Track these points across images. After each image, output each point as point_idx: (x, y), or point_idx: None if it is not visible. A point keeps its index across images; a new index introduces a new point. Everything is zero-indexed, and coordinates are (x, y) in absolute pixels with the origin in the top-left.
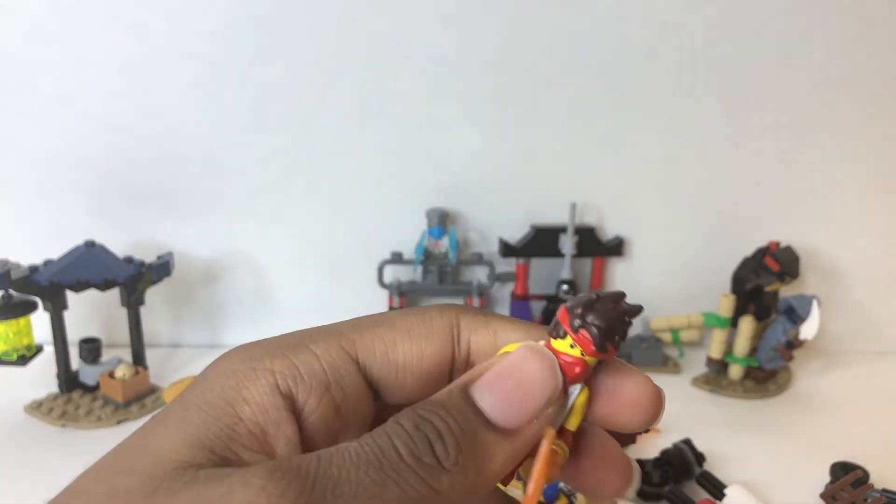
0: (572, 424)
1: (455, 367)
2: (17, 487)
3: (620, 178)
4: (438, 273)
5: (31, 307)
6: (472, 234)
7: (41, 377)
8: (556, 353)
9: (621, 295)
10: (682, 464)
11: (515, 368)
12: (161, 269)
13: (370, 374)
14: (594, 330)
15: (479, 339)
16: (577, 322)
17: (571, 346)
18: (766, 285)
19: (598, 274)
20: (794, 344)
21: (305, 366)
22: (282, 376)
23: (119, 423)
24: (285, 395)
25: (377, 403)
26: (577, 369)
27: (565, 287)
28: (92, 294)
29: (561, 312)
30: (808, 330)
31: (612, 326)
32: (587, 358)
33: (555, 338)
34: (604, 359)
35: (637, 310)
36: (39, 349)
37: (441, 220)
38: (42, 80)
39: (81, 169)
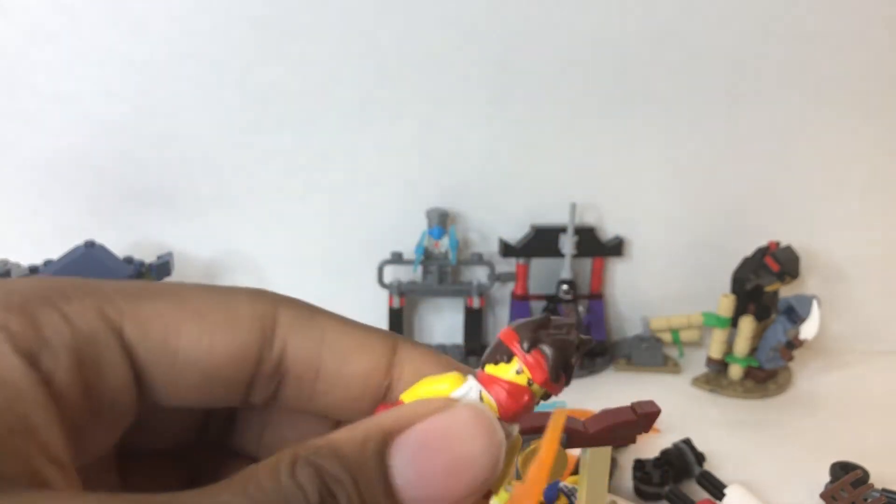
0: (494, 486)
1: (260, 372)
2: None
3: (620, 178)
4: (438, 273)
5: None
6: (472, 234)
7: None
8: (494, 381)
9: (573, 324)
10: (682, 464)
11: (450, 440)
12: (161, 269)
13: (137, 359)
14: (550, 351)
15: (300, 340)
16: (529, 343)
17: (517, 373)
18: (766, 285)
19: (598, 274)
20: (794, 344)
21: (51, 327)
22: (22, 338)
23: None
24: (32, 365)
25: (142, 400)
26: (525, 398)
27: (565, 287)
28: None
29: (506, 333)
30: (808, 330)
31: (567, 354)
32: (534, 387)
33: (495, 363)
34: (549, 391)
35: (588, 342)
36: None
37: (441, 220)
38: (42, 80)
39: (81, 169)
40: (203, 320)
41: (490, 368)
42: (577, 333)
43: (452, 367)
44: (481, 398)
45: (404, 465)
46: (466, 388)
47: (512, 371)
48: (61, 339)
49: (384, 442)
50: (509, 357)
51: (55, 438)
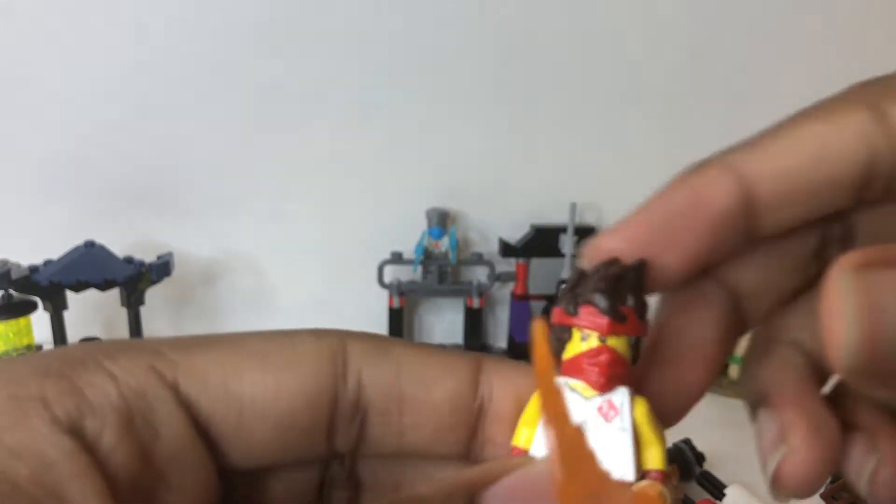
0: (654, 459)
1: (339, 412)
2: None
3: (620, 177)
4: (438, 273)
5: (31, 307)
6: (472, 234)
7: None
8: (572, 363)
9: (614, 259)
10: (682, 464)
11: (538, 491)
12: (161, 269)
13: (198, 412)
14: (596, 296)
15: (375, 371)
16: (572, 304)
17: (583, 340)
18: None
19: None
20: None
21: (94, 388)
22: (60, 405)
23: None
24: (72, 432)
25: (219, 463)
26: (603, 356)
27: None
28: (92, 294)
29: (554, 312)
30: None
31: (617, 285)
32: (610, 341)
33: (563, 348)
34: (632, 334)
35: (640, 264)
36: (39, 349)
37: (441, 220)
38: (42, 80)
39: (81, 169)
40: (266, 361)
41: (564, 356)
42: (621, 264)
43: None
44: (572, 389)
45: None
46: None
47: (578, 342)
48: (107, 399)
49: (471, 497)
50: (570, 332)
51: None
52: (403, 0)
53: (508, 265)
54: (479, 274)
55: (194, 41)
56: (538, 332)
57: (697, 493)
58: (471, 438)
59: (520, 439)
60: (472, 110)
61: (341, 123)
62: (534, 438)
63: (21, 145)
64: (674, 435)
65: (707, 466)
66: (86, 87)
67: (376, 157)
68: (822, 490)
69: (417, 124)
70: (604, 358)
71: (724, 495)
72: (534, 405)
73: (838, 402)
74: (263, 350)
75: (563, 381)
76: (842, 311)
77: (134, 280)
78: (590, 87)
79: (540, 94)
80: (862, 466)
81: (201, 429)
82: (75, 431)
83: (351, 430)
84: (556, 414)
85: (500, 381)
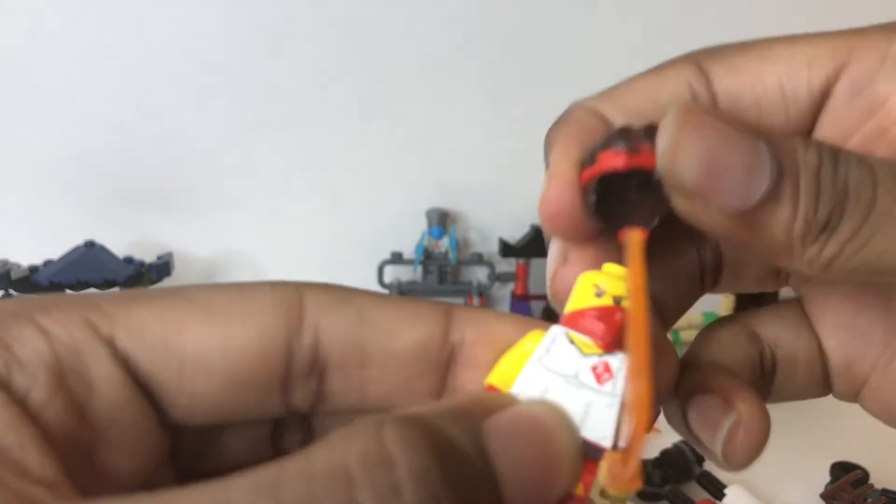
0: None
1: (294, 367)
2: None
3: None
4: (438, 273)
5: None
6: (472, 234)
7: None
8: (579, 316)
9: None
10: (682, 464)
11: (540, 431)
12: (161, 269)
13: (137, 368)
14: (613, 138)
15: (334, 322)
16: (590, 157)
17: (598, 296)
18: None
19: None
20: None
21: (22, 344)
22: None
23: None
24: (1, 386)
25: (165, 419)
26: (618, 316)
27: None
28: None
29: (582, 176)
30: None
31: (635, 133)
32: (625, 303)
33: (591, 165)
34: (648, 166)
35: (652, 125)
36: None
37: (441, 220)
38: (42, 80)
39: (81, 169)
40: (212, 314)
41: (572, 307)
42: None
43: (520, 324)
44: (571, 341)
45: (499, 450)
46: (550, 337)
47: (592, 297)
48: (37, 355)
49: (475, 420)
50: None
51: (35, 456)
52: (403, 0)
53: (508, 265)
54: (479, 274)
55: (194, 41)
56: (635, 243)
57: (697, 493)
58: (440, 387)
59: (497, 378)
60: (473, 110)
61: (341, 123)
62: (516, 380)
63: (21, 145)
64: (674, 435)
65: (707, 466)
66: (86, 87)
67: (376, 157)
68: (822, 490)
69: (417, 124)
70: (618, 317)
71: (724, 495)
72: (521, 348)
73: (693, 369)
74: (210, 302)
75: (563, 330)
76: (665, 127)
77: (134, 280)
78: (589, 87)
79: (540, 94)
80: (717, 427)
81: (141, 385)
82: (3, 386)
83: (308, 385)
84: (642, 332)
85: (473, 328)
